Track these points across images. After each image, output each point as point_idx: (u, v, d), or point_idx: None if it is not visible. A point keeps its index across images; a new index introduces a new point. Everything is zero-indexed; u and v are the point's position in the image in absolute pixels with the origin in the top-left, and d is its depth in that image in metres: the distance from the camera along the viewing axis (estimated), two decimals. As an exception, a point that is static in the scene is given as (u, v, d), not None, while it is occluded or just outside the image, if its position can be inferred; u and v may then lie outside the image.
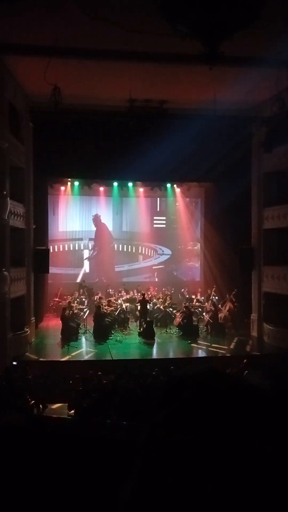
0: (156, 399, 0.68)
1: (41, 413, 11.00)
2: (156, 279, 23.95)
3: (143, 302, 17.86)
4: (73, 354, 14.92)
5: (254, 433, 0.60)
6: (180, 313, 18.07)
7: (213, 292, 19.98)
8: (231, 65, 11.76)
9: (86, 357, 14.87)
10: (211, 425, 0.60)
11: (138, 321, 18.08)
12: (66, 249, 23.55)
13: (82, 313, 18.61)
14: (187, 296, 21.24)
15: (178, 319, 17.89)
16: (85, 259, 23.77)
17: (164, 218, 24.51)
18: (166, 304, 19.39)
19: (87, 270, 23.74)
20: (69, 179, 21.41)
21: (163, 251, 24.45)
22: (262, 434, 0.60)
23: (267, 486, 0.57)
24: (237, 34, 7.37)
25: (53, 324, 18.70)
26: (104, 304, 18.19)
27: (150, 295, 20.68)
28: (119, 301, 19.15)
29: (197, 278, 23.98)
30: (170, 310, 19.11)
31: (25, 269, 15.95)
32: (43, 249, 17.11)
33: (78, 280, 22.99)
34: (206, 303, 19.47)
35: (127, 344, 16.29)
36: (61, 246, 23.25)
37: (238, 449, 0.58)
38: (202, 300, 20.31)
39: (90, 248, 24.00)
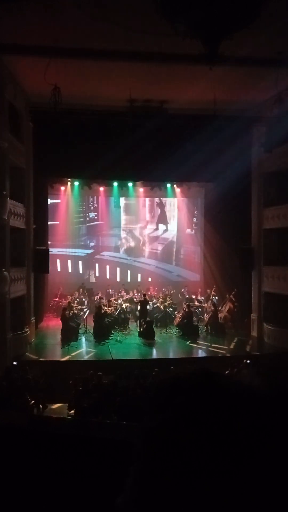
0: (148, 403, 0.67)
1: (41, 413, 11.00)
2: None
3: (144, 302, 17.86)
4: (73, 354, 14.91)
5: (251, 436, 0.60)
6: (180, 313, 18.06)
7: (213, 292, 19.99)
8: (231, 65, 11.76)
9: (86, 357, 14.87)
10: (207, 431, 0.59)
11: (138, 321, 18.08)
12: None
13: (82, 313, 18.61)
14: (187, 296, 21.24)
15: (178, 319, 17.89)
16: None
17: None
18: (166, 304, 19.38)
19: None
20: (69, 179, 21.43)
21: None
22: (259, 436, 0.60)
23: (265, 492, 0.57)
24: (237, 34, 7.37)
25: (53, 324, 18.70)
26: (104, 304, 18.19)
27: (150, 295, 20.70)
28: (119, 301, 19.15)
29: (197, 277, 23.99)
30: (170, 310, 19.11)
31: (25, 269, 15.94)
32: (43, 249, 17.10)
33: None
34: (206, 303, 19.48)
35: (127, 344, 16.28)
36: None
37: (235, 452, 0.58)
38: (202, 300, 20.31)
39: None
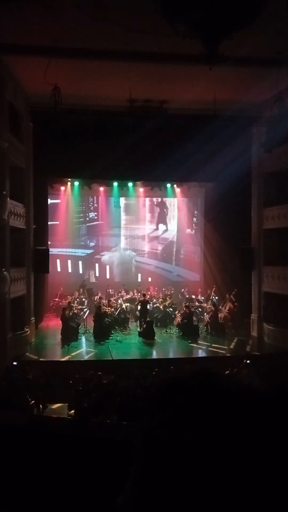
0: (148, 403, 0.67)
1: (41, 413, 11.00)
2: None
3: (144, 302, 17.87)
4: (73, 354, 14.91)
5: (251, 436, 0.60)
6: (180, 313, 18.07)
7: (213, 292, 19.98)
8: (231, 65, 11.76)
9: (86, 357, 14.87)
10: (207, 431, 0.59)
11: (138, 321, 18.08)
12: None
13: (82, 313, 18.61)
14: (187, 296, 21.24)
15: (178, 319, 17.89)
16: None
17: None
18: (166, 304, 19.39)
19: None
20: (69, 179, 21.43)
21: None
22: (259, 436, 0.60)
23: (265, 492, 0.57)
24: (237, 34, 7.37)
25: (53, 324, 18.70)
26: (104, 304, 18.19)
27: (150, 295, 20.70)
28: (119, 301, 19.15)
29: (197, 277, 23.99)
30: (170, 310, 19.11)
31: (25, 269, 15.95)
32: (43, 249, 17.10)
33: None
34: (206, 303, 19.48)
35: (127, 344, 16.28)
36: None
37: (235, 452, 0.58)
38: (202, 300, 20.32)
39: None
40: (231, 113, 15.46)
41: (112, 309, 18.41)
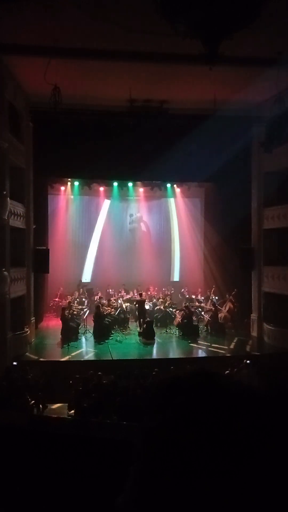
0: (148, 403, 0.67)
1: (41, 413, 11.00)
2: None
3: (140, 302, 17.87)
4: (73, 354, 14.91)
5: (251, 436, 0.60)
6: (180, 313, 18.07)
7: (212, 293, 19.98)
8: (231, 65, 11.77)
9: (86, 357, 14.87)
10: (207, 431, 0.59)
11: (138, 321, 18.08)
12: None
13: (82, 313, 18.61)
14: (187, 296, 21.24)
15: (178, 319, 17.89)
16: None
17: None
18: (166, 304, 19.38)
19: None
20: (69, 179, 21.43)
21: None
22: (259, 436, 0.60)
23: (265, 492, 0.57)
24: (237, 34, 7.37)
25: (53, 324, 18.70)
26: (104, 304, 18.19)
27: (150, 295, 20.70)
28: (119, 301, 19.15)
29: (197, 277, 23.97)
30: (170, 310, 19.11)
31: (25, 269, 15.95)
32: (43, 249, 17.11)
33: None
34: (206, 303, 19.48)
35: (127, 344, 16.28)
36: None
37: (235, 452, 0.58)
38: (202, 300, 20.32)
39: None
40: (231, 113, 15.46)
41: (112, 309, 18.41)
